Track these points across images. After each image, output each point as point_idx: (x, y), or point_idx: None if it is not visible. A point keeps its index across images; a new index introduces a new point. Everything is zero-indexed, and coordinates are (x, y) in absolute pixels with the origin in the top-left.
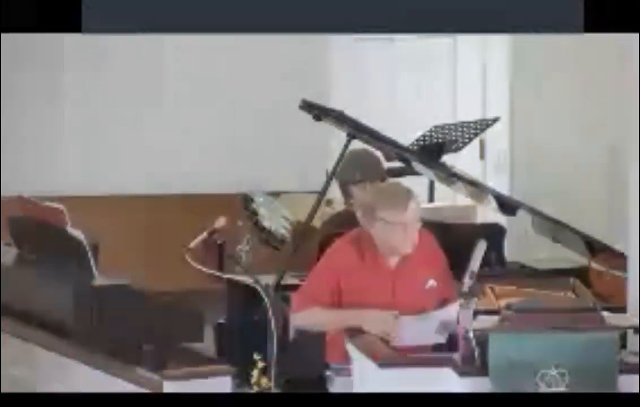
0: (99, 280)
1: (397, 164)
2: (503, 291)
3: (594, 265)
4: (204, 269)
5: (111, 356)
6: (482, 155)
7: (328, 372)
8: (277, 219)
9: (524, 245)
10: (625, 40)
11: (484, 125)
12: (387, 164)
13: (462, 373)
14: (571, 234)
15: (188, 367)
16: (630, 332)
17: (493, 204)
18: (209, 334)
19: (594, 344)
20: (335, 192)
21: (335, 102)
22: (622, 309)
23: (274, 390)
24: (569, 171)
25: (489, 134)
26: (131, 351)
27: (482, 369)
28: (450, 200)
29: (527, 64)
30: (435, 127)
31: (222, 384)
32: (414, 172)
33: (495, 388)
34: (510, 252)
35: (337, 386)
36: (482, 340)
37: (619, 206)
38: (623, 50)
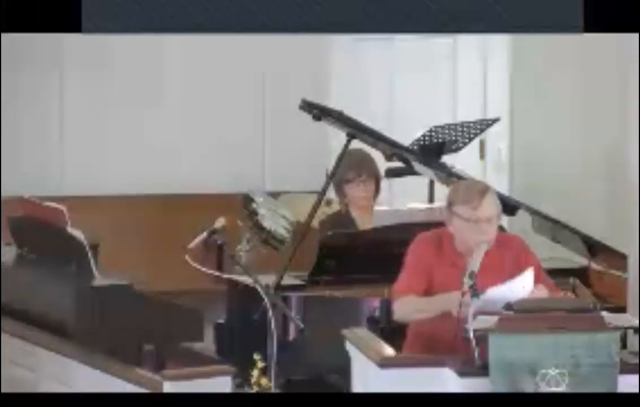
0: (99, 280)
1: (397, 164)
2: None
3: (594, 265)
4: (204, 269)
5: (111, 356)
6: (482, 155)
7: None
8: (277, 219)
9: None
10: (625, 40)
11: (484, 125)
12: (387, 164)
13: (462, 373)
14: (571, 234)
15: (188, 367)
16: (630, 332)
17: None
18: (209, 334)
19: (594, 344)
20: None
21: (335, 102)
22: (622, 309)
23: (274, 390)
24: (569, 171)
25: (489, 134)
26: (131, 351)
27: (482, 369)
28: None
29: (527, 64)
30: (435, 127)
31: (222, 384)
32: (414, 172)
33: (495, 388)
34: None
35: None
36: (482, 340)
37: (619, 206)
38: (623, 50)
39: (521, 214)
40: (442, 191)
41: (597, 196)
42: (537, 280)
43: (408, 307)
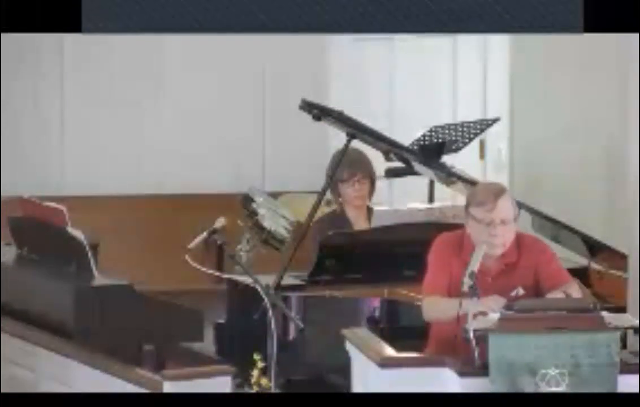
0: (99, 280)
1: (397, 164)
2: None
3: (594, 265)
4: (204, 269)
5: (111, 356)
6: (482, 155)
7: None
8: (277, 219)
9: None
10: (625, 40)
11: (484, 125)
12: (387, 164)
13: (462, 373)
14: (571, 234)
15: (188, 367)
16: (630, 332)
17: None
18: (209, 334)
19: (594, 344)
20: None
21: (335, 102)
22: (622, 309)
23: (274, 390)
24: (569, 171)
25: (489, 134)
26: (131, 351)
27: (482, 369)
28: (450, 200)
29: (527, 64)
30: (435, 127)
31: (222, 384)
32: (414, 172)
33: (495, 388)
34: None
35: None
36: (482, 340)
37: (619, 206)
38: (623, 50)
39: (521, 213)
40: (442, 191)
41: (597, 196)
42: (554, 274)
43: (432, 307)
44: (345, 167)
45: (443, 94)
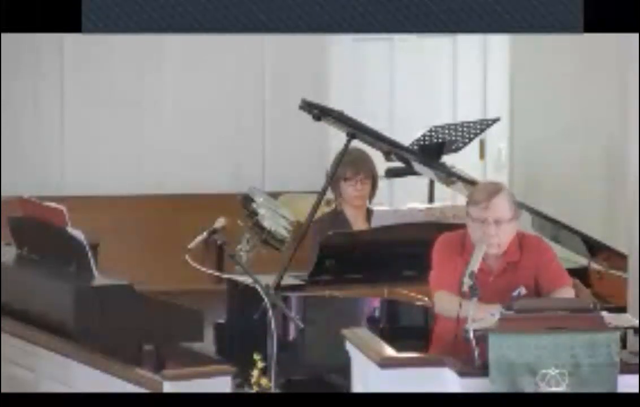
0: (99, 280)
1: (397, 163)
2: None
3: (594, 265)
4: (204, 269)
5: (111, 356)
6: (482, 155)
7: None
8: (277, 219)
9: None
10: (625, 40)
11: (484, 125)
12: (387, 164)
13: (462, 373)
14: (571, 234)
15: (188, 367)
16: (630, 332)
17: None
18: (209, 334)
19: (594, 344)
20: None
21: (335, 102)
22: (622, 309)
23: (274, 390)
24: (569, 171)
25: (489, 134)
26: (131, 351)
27: (482, 369)
28: (450, 200)
29: (527, 64)
30: (435, 127)
31: (222, 384)
32: (414, 172)
33: (495, 388)
34: None
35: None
36: (482, 340)
37: (619, 206)
38: (623, 50)
39: (521, 213)
40: (442, 191)
41: (597, 196)
42: (553, 275)
43: (440, 302)
44: (349, 166)
45: (443, 94)
